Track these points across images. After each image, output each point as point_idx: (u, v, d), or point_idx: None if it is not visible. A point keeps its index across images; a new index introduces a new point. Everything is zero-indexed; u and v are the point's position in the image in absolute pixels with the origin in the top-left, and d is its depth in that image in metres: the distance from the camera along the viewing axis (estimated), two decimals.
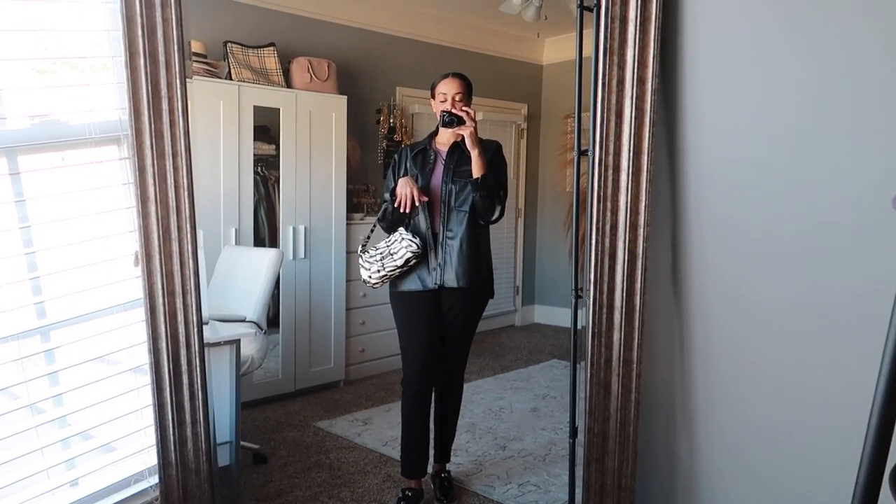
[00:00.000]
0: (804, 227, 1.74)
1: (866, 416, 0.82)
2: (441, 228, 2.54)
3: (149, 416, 1.95)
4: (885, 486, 0.82)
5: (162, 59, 1.75)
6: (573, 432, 2.18)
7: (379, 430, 3.48)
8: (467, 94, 2.54)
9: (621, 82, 1.84)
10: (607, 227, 1.90)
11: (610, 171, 1.89)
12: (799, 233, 1.75)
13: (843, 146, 1.66)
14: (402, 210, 2.46)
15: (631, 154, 1.86)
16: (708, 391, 1.96)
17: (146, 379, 1.93)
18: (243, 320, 2.95)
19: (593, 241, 1.91)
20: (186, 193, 1.82)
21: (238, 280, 3.21)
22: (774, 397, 1.83)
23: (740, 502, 1.94)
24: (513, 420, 3.66)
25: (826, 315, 1.71)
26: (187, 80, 1.85)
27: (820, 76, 1.69)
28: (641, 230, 1.88)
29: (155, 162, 1.78)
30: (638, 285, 1.90)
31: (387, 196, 2.57)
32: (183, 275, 1.85)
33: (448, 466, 2.86)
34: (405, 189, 2.45)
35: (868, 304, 1.61)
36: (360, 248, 2.68)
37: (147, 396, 1.94)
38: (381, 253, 2.57)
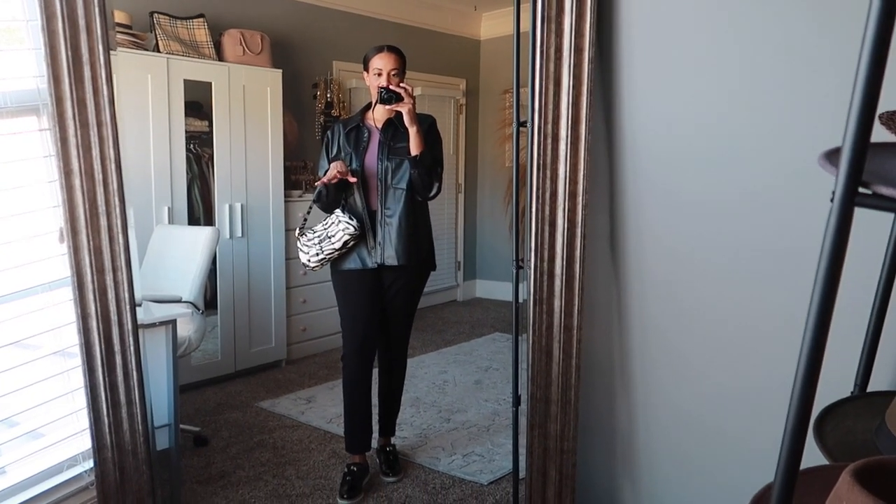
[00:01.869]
0: (737, 191, 1.79)
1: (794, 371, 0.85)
2: (379, 207, 2.52)
3: (80, 400, 1.88)
4: (808, 448, 0.85)
5: (82, 22, 1.66)
6: (516, 401, 2.21)
7: (322, 407, 3.46)
8: (402, 69, 2.50)
9: (559, 50, 1.85)
10: (547, 196, 1.91)
11: (549, 140, 1.90)
12: (732, 197, 1.80)
13: (774, 113, 1.72)
14: (332, 182, 2.42)
15: (569, 123, 1.87)
16: (644, 355, 2.01)
17: (75, 361, 1.85)
18: (179, 301, 2.86)
19: (533, 210, 1.92)
20: (114, 165, 1.74)
21: (172, 260, 3.11)
22: (709, 359, 1.90)
23: (676, 464, 2.01)
24: (456, 393, 3.69)
25: (761, 277, 1.78)
26: (111, 52, 1.75)
27: (754, 45, 1.73)
28: (580, 198, 1.91)
29: (78, 132, 1.68)
30: (577, 253, 1.93)
31: (321, 175, 2.53)
32: (112, 251, 1.78)
33: (393, 440, 2.87)
34: (336, 170, 2.41)
35: (797, 261, 1.68)
36: (297, 231, 2.63)
37: (77, 379, 1.87)
38: (318, 236, 2.53)
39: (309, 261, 2.55)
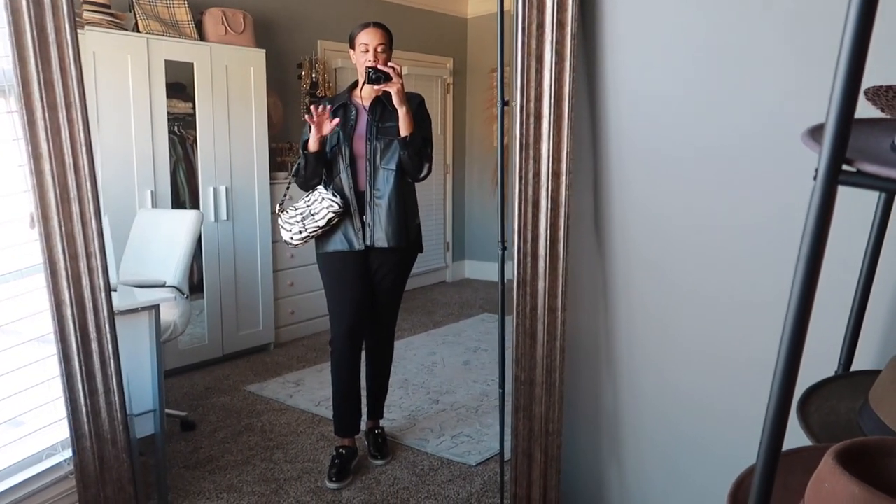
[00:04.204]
0: (725, 168, 1.76)
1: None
2: (367, 187, 2.47)
3: (58, 388, 1.84)
4: (792, 429, 0.84)
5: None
6: (503, 382, 2.19)
7: (311, 390, 3.44)
8: (389, 46, 2.46)
9: (541, 26, 1.80)
10: (530, 176, 1.88)
11: (532, 119, 1.86)
12: (720, 174, 1.77)
13: (762, 89, 1.69)
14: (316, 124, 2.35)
15: (552, 101, 1.83)
16: (630, 335, 2.00)
17: (52, 349, 1.82)
18: (163, 285, 2.83)
19: (517, 191, 1.89)
20: (84, 149, 1.69)
21: (155, 244, 3.06)
22: (696, 337, 1.88)
23: (662, 445, 2.00)
24: (445, 374, 3.68)
25: (749, 254, 1.75)
26: (79, 30, 1.69)
27: (742, 18, 1.69)
28: (564, 178, 1.87)
29: (46, 115, 1.63)
30: (561, 233, 1.90)
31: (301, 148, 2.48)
32: (86, 236, 1.73)
33: (381, 423, 2.86)
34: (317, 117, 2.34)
35: (786, 236, 1.65)
36: (278, 208, 2.59)
37: (54, 367, 1.83)
38: (301, 213, 2.48)
39: (291, 238, 2.52)
